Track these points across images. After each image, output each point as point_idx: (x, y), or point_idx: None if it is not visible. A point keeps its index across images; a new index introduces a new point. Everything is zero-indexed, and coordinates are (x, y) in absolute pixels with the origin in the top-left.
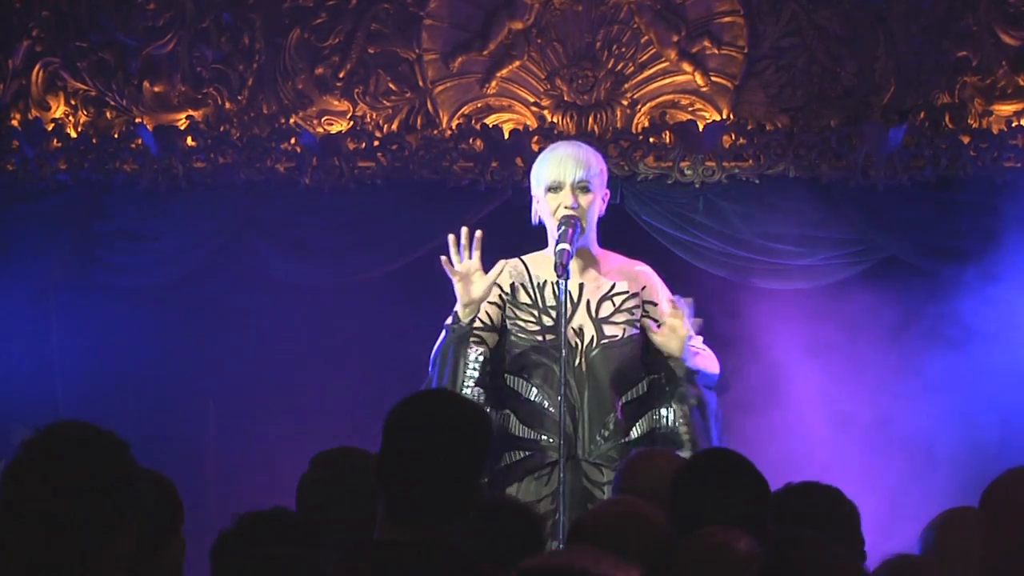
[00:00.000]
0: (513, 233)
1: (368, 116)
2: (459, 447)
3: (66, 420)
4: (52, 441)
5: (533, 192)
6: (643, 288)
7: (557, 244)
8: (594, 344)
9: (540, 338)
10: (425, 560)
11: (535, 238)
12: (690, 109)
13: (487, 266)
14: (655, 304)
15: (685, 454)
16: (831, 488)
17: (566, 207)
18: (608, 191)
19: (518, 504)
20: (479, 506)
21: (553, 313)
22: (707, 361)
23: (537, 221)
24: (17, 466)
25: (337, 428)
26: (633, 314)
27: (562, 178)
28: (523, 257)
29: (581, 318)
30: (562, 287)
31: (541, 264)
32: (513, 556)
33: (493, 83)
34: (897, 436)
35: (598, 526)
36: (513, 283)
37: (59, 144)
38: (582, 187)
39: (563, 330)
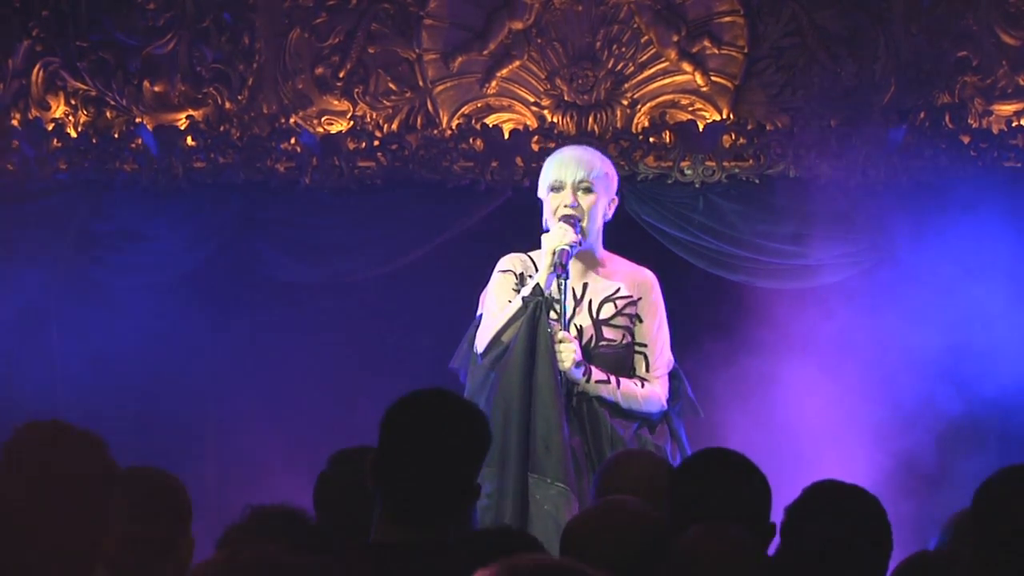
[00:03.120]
0: (513, 233)
1: (368, 116)
2: (457, 447)
3: (42, 420)
4: (25, 441)
5: (539, 194)
6: (640, 299)
7: (552, 275)
8: (592, 344)
9: None
10: (421, 562)
11: (535, 238)
12: (690, 109)
13: (491, 264)
14: (641, 321)
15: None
16: (858, 488)
17: (566, 205)
18: (617, 197)
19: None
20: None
21: (557, 307)
22: (620, 395)
23: (547, 227)
24: None
25: (337, 428)
26: (632, 321)
27: (563, 178)
28: (529, 253)
29: (582, 318)
30: (564, 285)
31: (541, 261)
32: None
33: (493, 83)
34: (897, 434)
35: (591, 527)
36: (523, 273)
37: (59, 144)
38: (584, 187)
39: (566, 327)
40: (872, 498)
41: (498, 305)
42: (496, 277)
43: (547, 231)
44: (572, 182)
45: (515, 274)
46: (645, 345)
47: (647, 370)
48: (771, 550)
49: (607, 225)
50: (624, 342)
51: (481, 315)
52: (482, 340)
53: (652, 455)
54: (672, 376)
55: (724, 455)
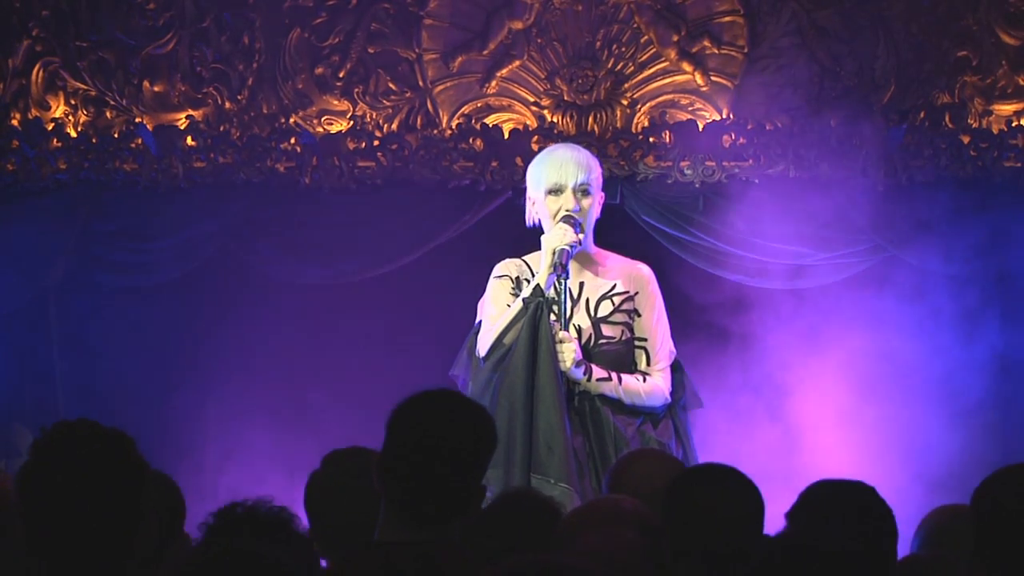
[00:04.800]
0: (513, 233)
1: (368, 116)
2: (463, 447)
3: (71, 420)
4: (61, 442)
5: (531, 195)
6: (636, 294)
7: (552, 276)
8: (592, 343)
9: None
10: (426, 561)
11: (535, 238)
12: (690, 109)
13: (488, 267)
14: (640, 315)
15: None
16: (864, 486)
17: (567, 210)
18: (604, 194)
19: (535, 495)
20: (490, 501)
21: (556, 307)
22: (622, 391)
23: (532, 223)
24: (30, 469)
25: (337, 428)
26: (631, 317)
27: (564, 181)
28: (523, 257)
29: (580, 317)
30: (563, 286)
31: (541, 263)
32: (529, 546)
33: (493, 83)
34: (897, 434)
35: (577, 525)
36: (518, 277)
37: (59, 144)
38: (583, 190)
39: (566, 327)
40: (875, 495)
41: (496, 310)
42: (493, 284)
43: (534, 226)
44: (573, 186)
45: (511, 279)
46: (645, 339)
47: (648, 364)
48: None
49: (600, 222)
50: (623, 338)
51: (480, 322)
52: (484, 343)
53: (663, 454)
54: (674, 368)
55: (716, 470)
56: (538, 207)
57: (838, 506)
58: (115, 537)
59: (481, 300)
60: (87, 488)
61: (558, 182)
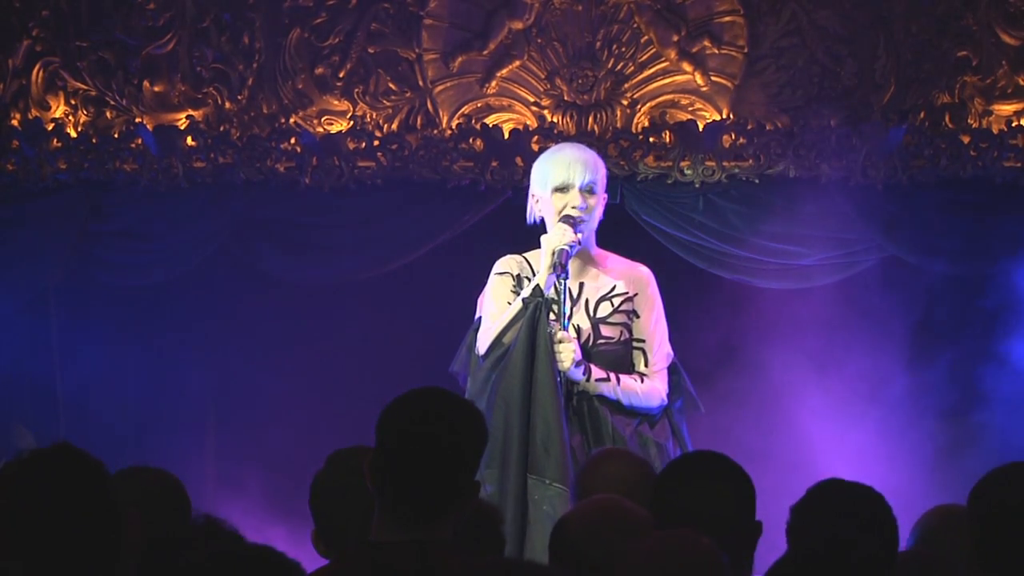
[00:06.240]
0: (513, 233)
1: (368, 116)
2: (453, 445)
3: (39, 449)
4: (23, 471)
5: (536, 192)
6: (636, 295)
7: (552, 276)
8: (590, 344)
9: None
10: (420, 562)
11: (535, 238)
12: (690, 109)
13: (487, 267)
14: (638, 316)
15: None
16: (873, 492)
17: (573, 207)
18: (607, 195)
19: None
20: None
21: (556, 307)
22: (620, 392)
23: (532, 220)
24: None
25: (337, 428)
26: (629, 318)
27: (571, 180)
28: (524, 254)
29: (579, 317)
30: (563, 286)
31: (541, 262)
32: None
33: (493, 83)
34: (897, 433)
35: (582, 525)
36: (519, 274)
37: (59, 144)
38: (589, 189)
39: (565, 328)
40: (878, 496)
41: (497, 307)
42: (493, 280)
43: (534, 223)
44: (580, 185)
45: (512, 276)
46: (643, 340)
47: (646, 365)
48: (758, 548)
49: (602, 223)
50: (622, 339)
51: (480, 318)
52: (483, 342)
53: (631, 455)
54: (672, 371)
55: (706, 456)
56: (542, 204)
57: (845, 509)
58: (88, 550)
59: (481, 296)
60: (52, 517)
61: (566, 179)
